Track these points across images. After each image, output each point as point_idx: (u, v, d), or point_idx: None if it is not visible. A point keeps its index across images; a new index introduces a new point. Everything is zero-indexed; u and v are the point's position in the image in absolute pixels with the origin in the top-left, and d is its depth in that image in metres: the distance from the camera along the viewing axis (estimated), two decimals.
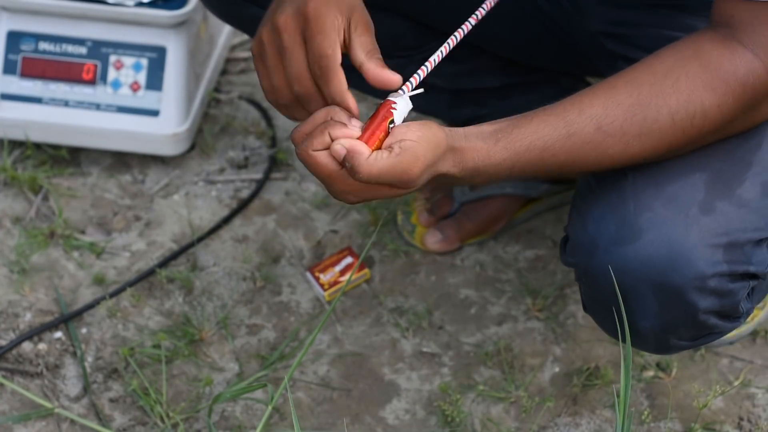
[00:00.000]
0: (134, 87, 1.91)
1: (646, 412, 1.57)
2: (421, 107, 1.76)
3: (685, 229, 1.22)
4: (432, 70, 1.23)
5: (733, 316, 1.29)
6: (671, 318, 1.26)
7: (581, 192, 1.33)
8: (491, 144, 1.20)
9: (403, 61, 1.65)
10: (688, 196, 1.23)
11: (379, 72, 1.20)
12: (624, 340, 1.34)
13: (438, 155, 1.18)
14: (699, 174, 1.24)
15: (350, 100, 1.19)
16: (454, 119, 1.77)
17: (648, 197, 1.23)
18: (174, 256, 1.84)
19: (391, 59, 1.64)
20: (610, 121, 1.19)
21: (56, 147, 1.97)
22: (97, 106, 1.91)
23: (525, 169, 1.22)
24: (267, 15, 1.25)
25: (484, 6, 1.27)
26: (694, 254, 1.21)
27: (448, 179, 1.22)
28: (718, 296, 1.24)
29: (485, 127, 1.21)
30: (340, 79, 1.19)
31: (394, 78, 1.21)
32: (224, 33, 2.11)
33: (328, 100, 1.21)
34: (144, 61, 1.90)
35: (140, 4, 1.88)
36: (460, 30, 1.24)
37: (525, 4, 1.55)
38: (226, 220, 1.89)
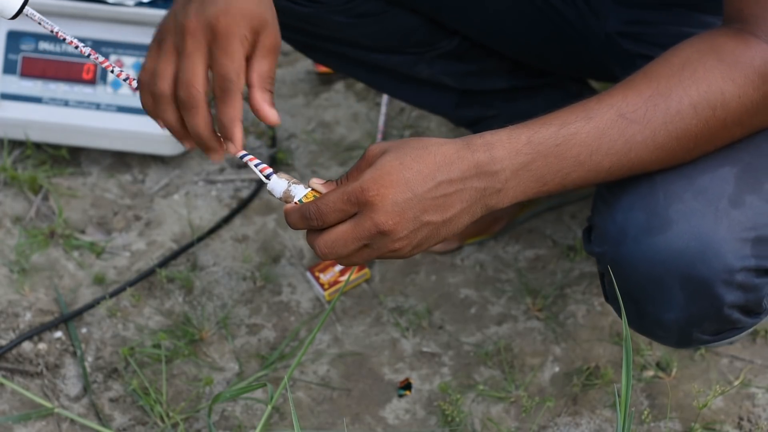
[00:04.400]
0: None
1: (646, 412, 1.57)
2: (429, 106, 1.77)
3: (714, 221, 1.21)
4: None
5: (755, 311, 1.29)
6: (697, 311, 1.26)
7: (607, 182, 1.32)
8: (514, 135, 1.16)
9: (413, 58, 1.65)
10: (718, 189, 1.22)
11: (260, 104, 1.20)
12: (645, 331, 1.33)
13: (438, 163, 1.14)
14: (729, 167, 1.24)
15: (237, 130, 1.19)
16: (460, 119, 1.77)
17: (678, 188, 1.23)
18: (174, 255, 1.84)
19: (402, 55, 1.65)
20: (632, 109, 1.18)
21: (56, 147, 1.97)
22: (97, 106, 1.91)
23: (553, 166, 1.18)
24: (176, 5, 1.21)
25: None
26: (724, 247, 1.21)
27: (481, 196, 1.16)
28: (744, 291, 1.24)
29: (502, 130, 1.18)
30: (235, 106, 1.19)
31: (272, 115, 1.20)
32: None
33: (217, 120, 1.20)
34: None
35: (140, 4, 1.88)
36: None
37: (540, 6, 1.55)
38: (226, 220, 1.89)
